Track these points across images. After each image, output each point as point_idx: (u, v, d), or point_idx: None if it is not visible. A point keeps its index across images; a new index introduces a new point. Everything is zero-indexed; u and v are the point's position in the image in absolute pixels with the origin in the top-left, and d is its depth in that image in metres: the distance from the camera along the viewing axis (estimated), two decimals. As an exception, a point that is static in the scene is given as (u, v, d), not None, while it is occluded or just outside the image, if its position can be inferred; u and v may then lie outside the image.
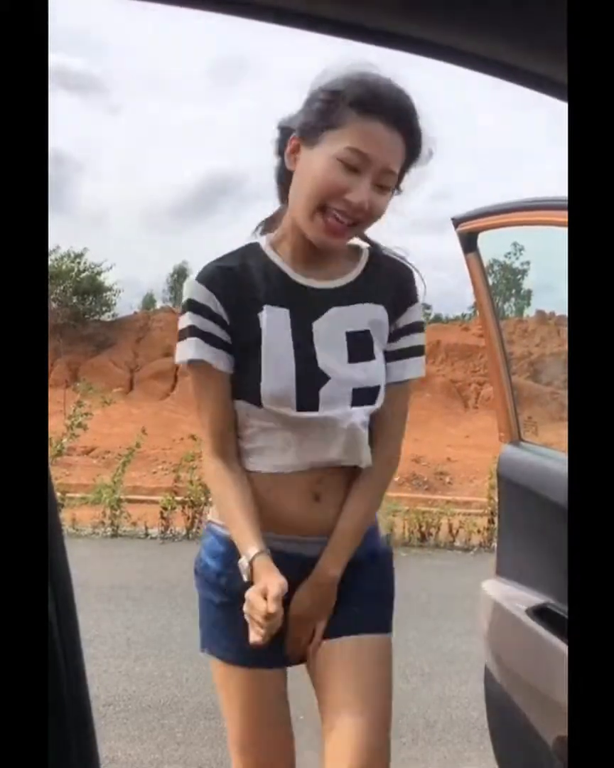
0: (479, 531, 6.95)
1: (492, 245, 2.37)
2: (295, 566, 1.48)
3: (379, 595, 1.64)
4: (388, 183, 1.38)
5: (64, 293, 21.11)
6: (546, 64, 0.71)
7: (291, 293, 1.46)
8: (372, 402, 1.47)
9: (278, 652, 1.52)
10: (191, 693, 3.47)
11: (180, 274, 38.82)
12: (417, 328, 1.53)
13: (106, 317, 23.09)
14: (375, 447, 1.52)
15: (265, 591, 1.32)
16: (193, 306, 1.44)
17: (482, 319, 2.43)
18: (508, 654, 2.05)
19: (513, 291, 40.88)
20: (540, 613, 1.93)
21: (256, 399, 1.43)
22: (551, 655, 1.75)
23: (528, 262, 39.70)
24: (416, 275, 1.54)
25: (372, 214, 1.39)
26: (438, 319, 32.42)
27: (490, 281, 2.45)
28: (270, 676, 1.56)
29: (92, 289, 21.90)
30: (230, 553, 1.49)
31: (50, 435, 7.73)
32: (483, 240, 2.27)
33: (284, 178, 1.49)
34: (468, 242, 2.28)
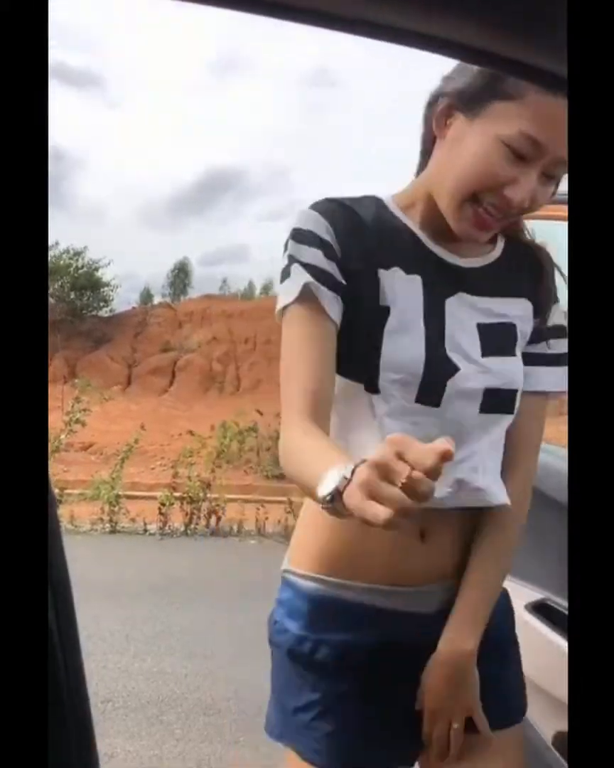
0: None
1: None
2: (409, 626, 1.16)
3: (517, 669, 1.31)
4: (559, 173, 1.09)
5: (62, 289, 21.12)
6: (547, 57, 0.71)
7: (423, 262, 1.16)
8: (507, 410, 1.17)
9: (386, 753, 1.19)
10: (190, 689, 3.47)
11: (180, 270, 38.82)
12: (563, 331, 1.22)
13: (104, 313, 23.12)
14: (505, 478, 1.21)
15: (397, 448, 0.78)
16: (306, 237, 1.12)
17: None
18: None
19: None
20: (539, 608, 1.93)
21: (368, 377, 1.11)
22: (550, 650, 1.75)
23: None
24: (557, 267, 1.26)
25: (531, 209, 1.13)
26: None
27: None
28: None
29: (90, 284, 21.91)
30: (316, 612, 1.18)
31: (49, 432, 7.69)
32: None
33: (428, 144, 1.19)
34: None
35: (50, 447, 7.48)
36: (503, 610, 1.27)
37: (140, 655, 3.88)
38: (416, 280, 1.14)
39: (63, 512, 6.80)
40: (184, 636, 4.15)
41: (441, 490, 1.09)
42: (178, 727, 3.10)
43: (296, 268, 1.11)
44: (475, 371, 1.13)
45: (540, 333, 1.22)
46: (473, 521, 1.19)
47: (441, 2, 0.66)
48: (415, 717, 1.16)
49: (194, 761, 2.83)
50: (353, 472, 0.83)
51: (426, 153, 1.21)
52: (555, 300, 1.23)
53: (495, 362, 1.15)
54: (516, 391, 1.16)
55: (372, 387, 1.11)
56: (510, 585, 2.14)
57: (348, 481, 0.83)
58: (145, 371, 20.50)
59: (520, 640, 1.99)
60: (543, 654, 1.78)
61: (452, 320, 1.14)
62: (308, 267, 1.11)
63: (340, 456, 0.93)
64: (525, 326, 1.20)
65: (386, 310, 1.11)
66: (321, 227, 1.12)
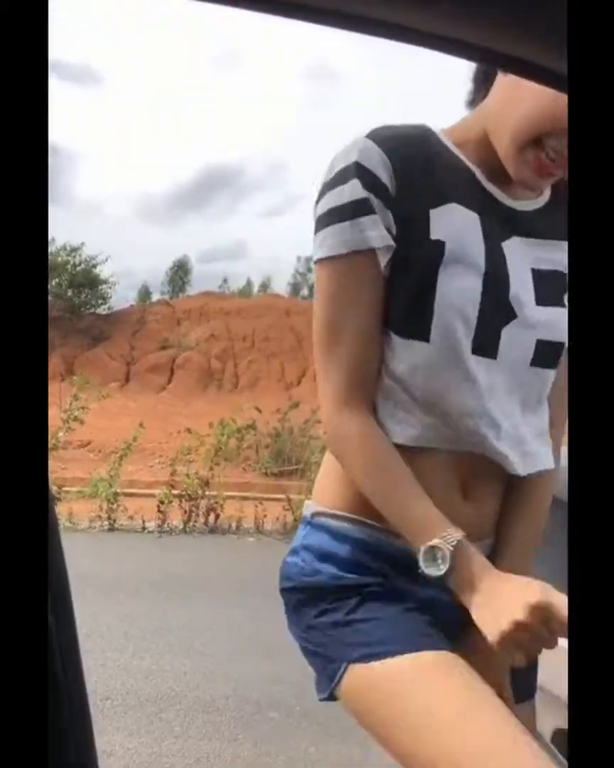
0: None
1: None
2: (415, 575, 1.05)
3: None
4: None
5: (60, 286, 21.10)
6: (547, 54, 0.71)
7: (481, 200, 1.10)
8: (551, 365, 1.12)
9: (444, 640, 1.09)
10: (189, 687, 3.47)
11: (179, 267, 38.81)
12: None
13: (102, 310, 23.09)
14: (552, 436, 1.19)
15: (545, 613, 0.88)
16: (358, 171, 1.03)
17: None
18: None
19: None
20: (538, 605, 1.93)
21: (419, 328, 1.03)
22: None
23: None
24: None
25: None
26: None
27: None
28: (452, 658, 1.11)
29: (88, 281, 21.89)
30: (358, 554, 1.10)
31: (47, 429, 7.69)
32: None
33: (485, 77, 1.13)
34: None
35: (49, 445, 7.49)
36: None
37: (139, 652, 3.88)
38: (474, 218, 1.08)
39: (61, 510, 6.80)
40: (183, 633, 4.15)
41: (501, 443, 1.08)
42: (177, 725, 3.10)
43: (357, 210, 1.03)
44: (531, 320, 1.08)
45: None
46: (512, 481, 1.14)
47: (442, 0, 0.66)
48: None
49: (193, 758, 2.83)
50: (455, 545, 0.94)
51: (481, 83, 1.14)
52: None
53: (548, 312, 1.10)
54: (563, 345, 1.11)
55: (424, 337, 1.03)
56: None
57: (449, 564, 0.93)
58: (144, 369, 20.50)
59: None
60: (543, 651, 1.78)
61: (512, 264, 1.09)
62: (371, 209, 1.03)
63: (433, 516, 0.99)
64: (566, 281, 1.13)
65: (441, 245, 1.04)
66: (380, 166, 1.03)
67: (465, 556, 0.96)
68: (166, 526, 6.88)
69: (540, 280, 1.11)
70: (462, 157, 1.11)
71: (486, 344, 1.05)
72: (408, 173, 1.04)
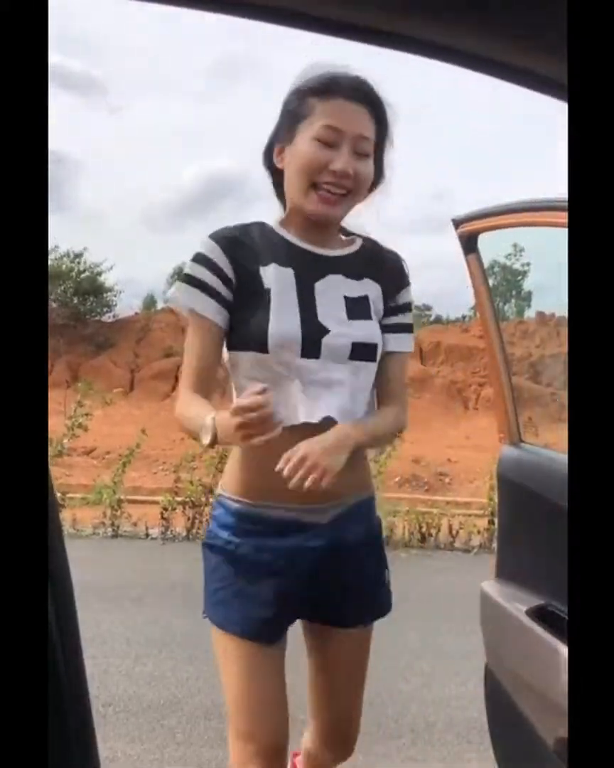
0: (479, 532, 6.95)
1: (493, 246, 2.37)
2: (289, 535, 1.59)
3: (384, 577, 1.76)
4: (366, 149, 1.53)
5: (65, 294, 21.11)
6: (546, 64, 0.71)
7: (295, 257, 1.59)
8: (370, 358, 1.60)
9: (277, 628, 1.63)
10: (191, 693, 3.47)
11: (180, 276, 38.89)
12: (409, 308, 1.71)
13: (107, 318, 23.09)
14: (380, 408, 1.69)
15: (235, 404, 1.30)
16: (198, 258, 1.58)
17: (482, 320, 2.43)
18: (508, 655, 2.05)
19: (514, 292, 40.82)
20: (539, 613, 1.93)
21: (263, 346, 1.52)
22: (550, 655, 1.75)
23: (528, 264, 39.60)
24: (405, 263, 1.73)
25: (358, 180, 1.53)
26: (438, 320, 32.40)
27: (491, 282, 2.46)
28: (267, 652, 1.61)
29: (93, 289, 21.89)
30: (238, 523, 1.61)
31: (51, 435, 7.73)
32: (484, 241, 2.27)
33: (279, 180, 1.65)
34: (469, 243, 2.28)
35: (53, 451, 7.49)
36: (368, 525, 1.70)
37: (141, 658, 3.88)
38: (289, 273, 1.56)
39: (65, 516, 6.79)
40: (186, 640, 4.15)
41: (336, 417, 1.54)
42: (180, 731, 3.10)
43: (186, 281, 1.59)
44: (342, 331, 1.56)
45: (392, 309, 1.68)
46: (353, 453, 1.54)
47: (441, 10, 0.66)
48: (307, 598, 1.64)
49: (195, 765, 2.83)
50: (212, 418, 1.41)
51: (275, 184, 1.67)
52: (406, 284, 1.70)
53: (357, 324, 1.59)
54: (376, 345, 1.61)
55: (264, 349, 1.52)
56: (511, 589, 2.14)
57: (213, 424, 1.40)
58: (148, 376, 20.51)
59: (521, 645, 1.99)
60: (544, 659, 1.78)
61: (323, 297, 1.57)
62: (194, 281, 1.57)
63: (206, 410, 1.47)
64: (377, 303, 1.65)
65: (264, 299, 1.54)
66: (211, 250, 1.57)
67: (220, 423, 1.38)
68: (169, 532, 6.87)
69: (351, 303, 1.60)
70: (282, 232, 1.63)
71: (311, 351, 1.53)
72: (239, 252, 1.57)
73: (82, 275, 21.63)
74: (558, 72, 0.67)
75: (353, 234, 1.72)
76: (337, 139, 1.50)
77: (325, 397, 1.55)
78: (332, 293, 1.59)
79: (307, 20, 0.68)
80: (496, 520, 2.60)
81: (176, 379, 20.45)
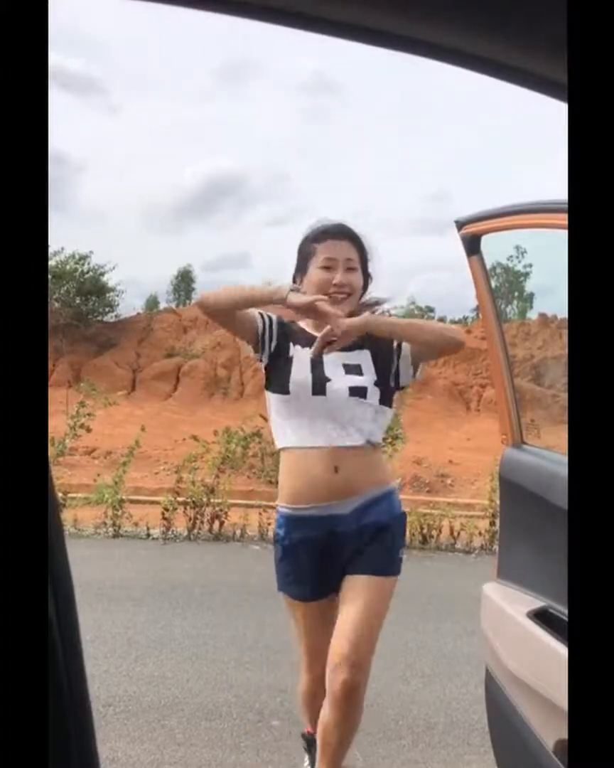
0: (480, 533, 6.95)
1: (495, 248, 2.37)
2: (322, 526, 2.26)
3: (395, 548, 2.31)
4: (353, 265, 2.33)
5: (68, 294, 21.10)
6: (546, 64, 0.71)
7: (310, 341, 2.31)
8: (363, 396, 2.28)
9: (325, 591, 2.31)
10: (192, 694, 3.47)
11: (183, 277, 38.84)
12: (399, 354, 2.36)
13: (109, 318, 23.08)
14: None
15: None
16: (269, 316, 2.39)
17: (484, 321, 2.43)
18: (509, 657, 2.04)
19: (516, 294, 40.85)
20: (541, 616, 1.93)
21: (285, 388, 2.29)
22: (551, 658, 1.75)
23: (530, 265, 39.67)
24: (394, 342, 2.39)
25: (353, 286, 2.32)
26: (440, 321, 32.40)
27: (493, 284, 2.46)
28: (321, 607, 2.33)
29: (95, 289, 21.88)
30: (286, 523, 2.32)
31: (53, 435, 7.73)
32: (486, 243, 2.27)
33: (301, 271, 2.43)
34: (472, 245, 2.28)
35: (55, 451, 7.49)
36: (393, 513, 2.32)
37: (142, 659, 3.88)
38: (306, 350, 2.31)
39: (66, 516, 6.80)
40: (186, 640, 4.15)
41: (343, 438, 2.26)
42: (180, 732, 3.10)
43: (256, 311, 2.39)
44: (340, 381, 2.28)
45: (387, 360, 2.36)
46: (368, 454, 2.30)
47: (442, 10, 0.66)
48: (338, 571, 2.27)
49: (195, 766, 2.83)
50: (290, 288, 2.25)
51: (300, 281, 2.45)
52: (392, 349, 2.35)
53: (350, 377, 2.30)
54: (365, 388, 2.28)
55: (287, 392, 2.29)
56: (512, 592, 2.14)
57: (288, 289, 2.22)
58: (150, 376, 20.50)
59: (522, 647, 1.99)
60: (545, 662, 1.78)
61: (329, 365, 2.30)
62: (261, 315, 2.37)
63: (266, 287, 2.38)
64: (368, 367, 2.33)
65: (291, 359, 2.32)
66: (275, 320, 2.39)
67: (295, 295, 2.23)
68: (170, 533, 6.88)
69: (347, 368, 2.31)
70: (304, 325, 2.43)
71: (319, 391, 2.26)
72: (279, 333, 2.38)
73: (86, 276, 21.61)
74: (558, 71, 0.67)
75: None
76: (333, 264, 2.31)
77: (332, 428, 2.25)
78: (335, 361, 2.30)
79: (306, 20, 0.68)
80: (498, 522, 2.60)
81: (178, 379, 20.46)
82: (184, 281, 38.77)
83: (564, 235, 1.79)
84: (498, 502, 2.57)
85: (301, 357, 2.32)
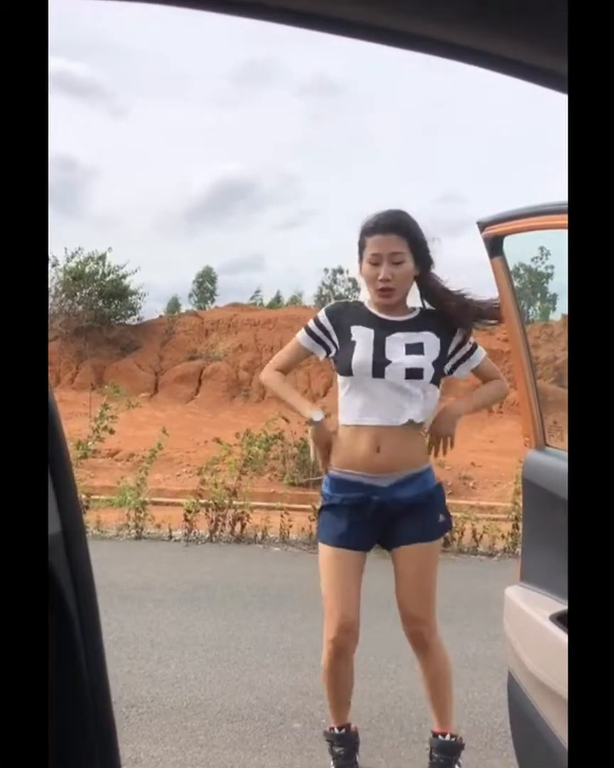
0: (503, 536, 6.91)
1: (518, 249, 2.36)
2: (363, 491, 2.57)
3: (434, 516, 2.62)
4: (400, 260, 2.53)
5: (90, 296, 21.19)
6: (547, 57, 0.71)
7: (373, 321, 2.63)
8: (419, 377, 2.53)
9: (353, 543, 2.58)
10: (214, 695, 3.48)
11: (205, 278, 39.03)
12: (466, 340, 2.66)
13: (132, 321, 23.16)
14: (483, 385, 2.79)
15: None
16: (315, 319, 2.73)
17: (507, 323, 2.42)
18: (532, 660, 2.03)
19: (539, 295, 40.64)
20: (564, 619, 1.91)
21: (348, 370, 2.56)
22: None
23: (553, 266, 39.47)
24: (456, 320, 2.67)
25: (397, 280, 2.54)
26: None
27: (515, 285, 2.45)
28: (347, 556, 2.58)
29: (117, 292, 21.96)
30: (333, 483, 2.63)
31: (77, 438, 7.78)
32: (509, 244, 2.26)
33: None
34: (494, 246, 2.27)
35: (78, 453, 7.54)
36: (427, 488, 2.61)
37: (164, 660, 3.89)
38: (369, 331, 2.59)
39: (89, 517, 6.84)
40: (209, 642, 4.16)
41: (389, 418, 2.54)
42: (202, 734, 3.11)
43: (302, 331, 2.75)
44: (399, 362, 2.53)
45: (456, 346, 2.65)
46: (408, 437, 2.58)
47: (441, 5, 0.66)
48: (373, 530, 2.61)
49: (218, 767, 2.84)
50: (321, 417, 2.66)
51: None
52: (456, 330, 2.65)
53: (411, 358, 2.54)
54: (422, 369, 2.54)
55: (349, 373, 2.56)
56: (535, 595, 2.13)
57: (321, 420, 2.65)
58: (172, 379, 20.54)
59: (544, 650, 1.98)
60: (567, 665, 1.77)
61: (391, 344, 2.56)
62: (307, 329, 2.73)
63: (307, 403, 2.75)
64: (431, 346, 2.59)
65: (354, 343, 2.58)
66: (322, 316, 2.72)
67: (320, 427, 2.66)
68: (192, 534, 6.89)
69: (408, 348, 2.55)
70: (369, 307, 2.68)
71: (379, 372, 2.52)
72: (340, 316, 2.68)
73: (107, 278, 21.69)
74: (558, 64, 0.67)
75: (415, 308, 2.70)
76: (378, 259, 2.52)
77: (383, 408, 2.53)
78: (397, 342, 2.56)
79: (309, 19, 0.68)
80: (521, 525, 2.59)
81: (199, 381, 20.50)
82: (206, 283, 38.95)
83: (561, 235, 1.78)
84: (521, 504, 2.56)
85: (364, 337, 2.57)
